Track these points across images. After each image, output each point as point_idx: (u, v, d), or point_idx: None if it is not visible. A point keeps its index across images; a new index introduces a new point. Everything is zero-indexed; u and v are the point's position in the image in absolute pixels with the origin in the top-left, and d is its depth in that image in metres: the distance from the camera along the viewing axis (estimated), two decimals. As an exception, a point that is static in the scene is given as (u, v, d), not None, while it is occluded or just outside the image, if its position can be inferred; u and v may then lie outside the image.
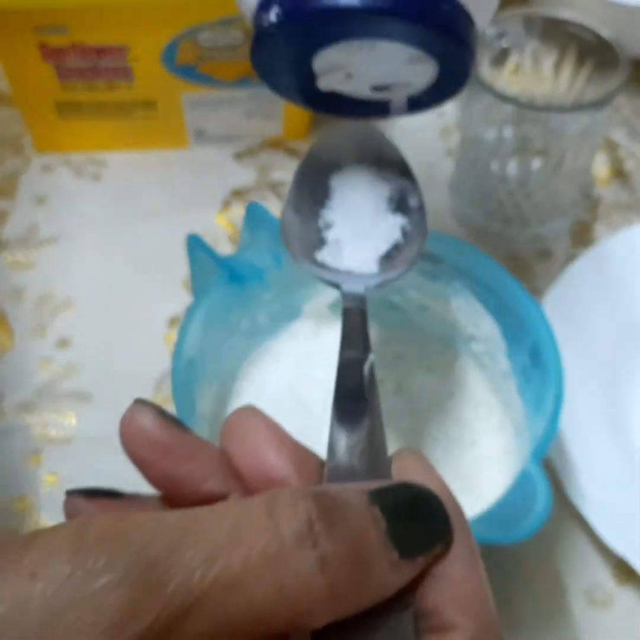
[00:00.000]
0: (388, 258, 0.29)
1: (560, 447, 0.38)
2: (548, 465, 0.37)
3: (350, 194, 0.30)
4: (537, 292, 0.44)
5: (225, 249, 0.48)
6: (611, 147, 0.54)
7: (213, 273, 0.36)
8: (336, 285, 0.28)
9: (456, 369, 0.39)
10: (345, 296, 0.27)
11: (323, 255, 0.29)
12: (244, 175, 0.52)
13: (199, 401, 0.35)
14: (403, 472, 0.19)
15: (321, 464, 0.19)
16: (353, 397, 0.21)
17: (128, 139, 0.53)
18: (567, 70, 0.44)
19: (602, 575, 0.36)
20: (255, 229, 0.37)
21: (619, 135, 0.54)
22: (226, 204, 0.51)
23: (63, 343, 0.44)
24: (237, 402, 0.38)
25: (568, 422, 0.37)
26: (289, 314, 0.41)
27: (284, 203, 0.30)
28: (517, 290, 0.35)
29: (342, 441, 0.20)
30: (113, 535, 0.14)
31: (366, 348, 0.23)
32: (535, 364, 0.34)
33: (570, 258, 0.46)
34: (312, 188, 0.30)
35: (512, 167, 0.44)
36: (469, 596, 0.17)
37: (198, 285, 0.38)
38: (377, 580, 0.16)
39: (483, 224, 0.47)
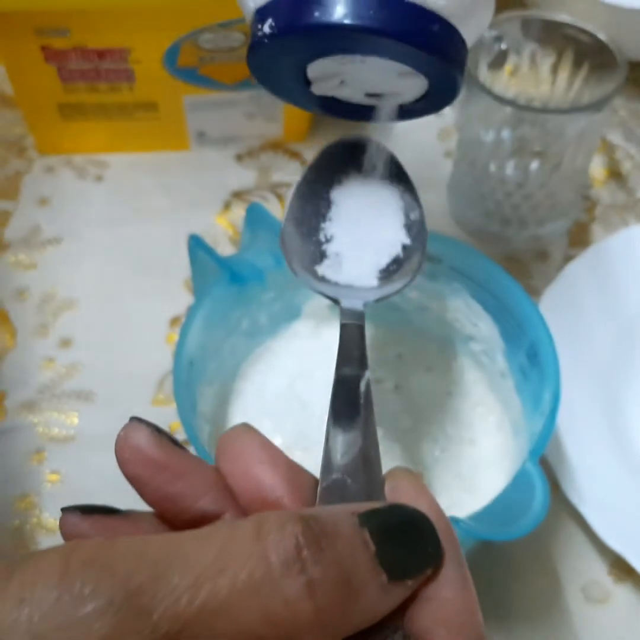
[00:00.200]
0: (388, 271, 0.29)
1: (558, 446, 0.38)
2: (545, 464, 0.37)
3: (351, 207, 0.30)
4: (534, 292, 0.45)
5: (225, 249, 0.48)
6: (608, 149, 0.54)
7: (214, 273, 0.36)
8: (335, 301, 0.28)
9: (455, 368, 0.40)
10: (343, 312, 0.27)
11: (323, 269, 0.29)
12: (244, 176, 0.53)
13: (199, 400, 0.35)
14: (395, 491, 0.19)
15: (315, 481, 0.19)
16: (350, 414, 0.21)
17: (130, 140, 0.53)
18: (564, 72, 0.44)
19: (599, 573, 0.36)
20: (255, 229, 0.38)
21: (616, 137, 0.54)
22: (227, 205, 0.51)
23: (65, 343, 0.45)
24: (238, 401, 0.39)
25: (565, 420, 0.37)
26: (289, 314, 0.41)
27: (284, 217, 0.30)
28: (515, 291, 0.35)
29: (337, 457, 0.20)
30: (99, 561, 0.14)
31: (363, 365, 0.23)
32: (533, 363, 0.34)
33: (568, 258, 0.46)
34: (313, 202, 0.30)
35: (510, 168, 0.44)
36: (459, 618, 0.17)
37: (199, 285, 0.38)
38: (365, 603, 0.16)
39: (481, 224, 0.48)
